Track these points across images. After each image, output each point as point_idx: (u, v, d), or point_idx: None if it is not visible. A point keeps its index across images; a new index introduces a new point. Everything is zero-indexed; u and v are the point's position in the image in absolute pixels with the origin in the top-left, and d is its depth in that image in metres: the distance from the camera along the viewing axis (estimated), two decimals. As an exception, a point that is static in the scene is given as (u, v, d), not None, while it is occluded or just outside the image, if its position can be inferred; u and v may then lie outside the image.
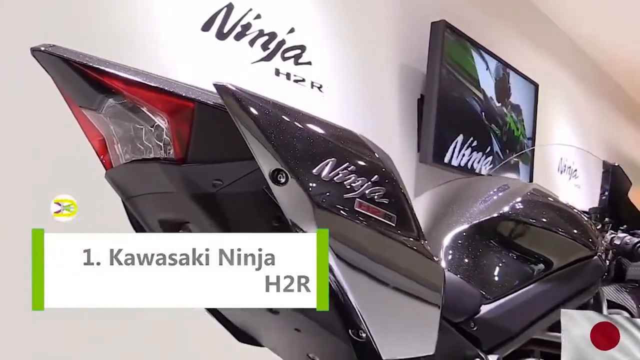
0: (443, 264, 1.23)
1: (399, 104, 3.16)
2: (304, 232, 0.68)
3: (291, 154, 0.68)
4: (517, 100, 4.07)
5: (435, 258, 0.84)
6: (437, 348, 0.97)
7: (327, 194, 0.70)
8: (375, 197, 0.74)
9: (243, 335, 1.02)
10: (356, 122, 2.85)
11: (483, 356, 1.11)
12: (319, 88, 2.69)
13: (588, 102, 6.20)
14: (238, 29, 2.36)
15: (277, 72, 2.51)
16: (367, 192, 0.73)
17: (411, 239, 0.78)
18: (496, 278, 1.24)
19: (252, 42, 2.41)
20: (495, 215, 1.29)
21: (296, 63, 2.60)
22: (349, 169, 0.72)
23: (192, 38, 2.18)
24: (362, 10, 2.98)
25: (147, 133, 0.76)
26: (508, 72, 3.93)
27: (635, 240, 1.65)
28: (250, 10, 2.40)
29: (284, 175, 0.68)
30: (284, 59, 2.54)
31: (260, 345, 1.05)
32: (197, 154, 0.71)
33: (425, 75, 3.18)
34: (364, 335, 0.78)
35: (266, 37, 2.47)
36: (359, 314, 0.75)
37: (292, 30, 2.57)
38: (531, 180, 4.03)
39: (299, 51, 2.61)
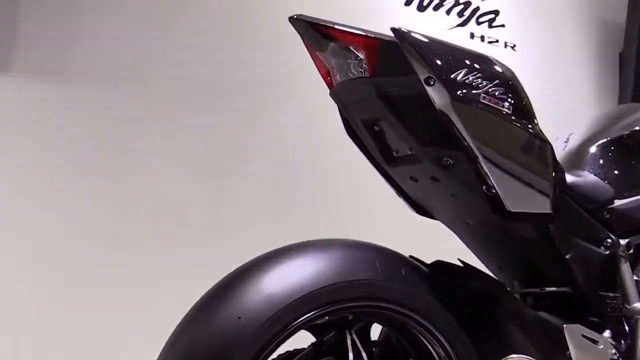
0: (587, 168, 1.53)
1: (597, 60, 3.27)
2: (446, 114, 1.10)
3: (436, 67, 1.09)
4: None
5: (543, 137, 1.18)
6: (569, 225, 1.32)
7: (459, 90, 1.10)
8: (496, 93, 1.13)
9: (420, 208, 1.46)
10: (552, 79, 3.08)
11: (614, 238, 1.40)
12: (513, 47, 2.97)
13: None
14: (436, 1, 2.77)
15: (472, 36, 2.87)
16: (489, 90, 1.12)
17: (523, 121, 1.14)
18: (631, 180, 1.50)
19: (448, 12, 2.81)
20: (632, 130, 1.55)
21: (490, 26, 2.92)
22: (476, 75, 1.11)
23: (396, 12, 2.66)
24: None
25: (353, 65, 1.24)
26: None
27: None
28: (447, -16, 2.80)
29: (432, 79, 1.10)
30: (478, 23, 2.89)
31: (434, 218, 1.48)
32: (382, 71, 1.16)
33: (625, 30, 3.24)
34: (493, 190, 1.17)
35: (461, 6, 2.84)
36: (486, 173, 1.15)
37: (486, -2, 2.91)
38: None
39: (492, 15, 2.93)
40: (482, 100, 1.12)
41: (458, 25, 2.83)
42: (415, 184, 1.34)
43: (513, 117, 1.15)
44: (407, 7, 2.68)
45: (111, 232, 2.06)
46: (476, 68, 1.13)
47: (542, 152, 1.18)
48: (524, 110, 1.16)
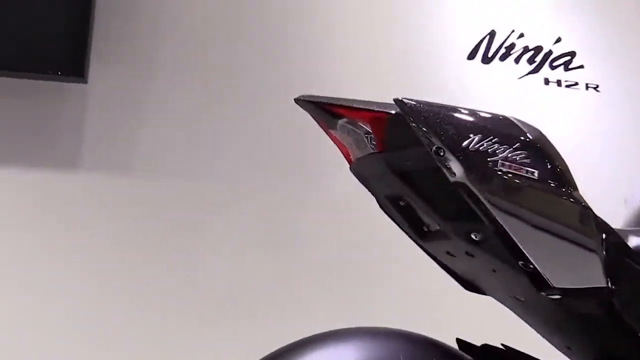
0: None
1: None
2: (463, 185, 1.00)
3: (445, 136, 1.01)
4: None
5: (582, 202, 1.03)
6: (628, 286, 1.14)
7: (473, 159, 1.00)
8: (517, 158, 1.01)
9: (470, 285, 1.33)
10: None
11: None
12: (595, 88, 2.75)
13: None
14: (502, 50, 2.65)
15: (547, 82, 2.68)
16: (508, 155, 1.00)
17: (553, 187, 1.01)
18: None
19: (517, 60, 2.66)
20: None
21: (566, 69, 2.73)
22: (492, 140, 1.00)
23: (458, 67, 2.56)
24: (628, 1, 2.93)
25: (369, 139, 1.18)
26: None
27: None
28: (513, 31, 2.66)
29: (442, 150, 1.01)
30: (553, 67, 2.71)
31: (485, 294, 1.34)
32: (391, 146, 1.09)
33: None
34: (531, 266, 1.04)
35: (532, 52, 2.68)
36: (519, 247, 1.02)
37: (558, 40, 2.73)
38: None
39: (568, 57, 2.74)
40: (502, 168, 1.01)
41: (529, 73, 2.66)
42: (454, 259, 1.23)
43: (541, 183, 1.02)
44: (470, 61, 2.57)
45: (177, 318, 2.09)
46: (492, 132, 1.03)
47: (580, 219, 1.04)
48: (554, 174, 1.03)
